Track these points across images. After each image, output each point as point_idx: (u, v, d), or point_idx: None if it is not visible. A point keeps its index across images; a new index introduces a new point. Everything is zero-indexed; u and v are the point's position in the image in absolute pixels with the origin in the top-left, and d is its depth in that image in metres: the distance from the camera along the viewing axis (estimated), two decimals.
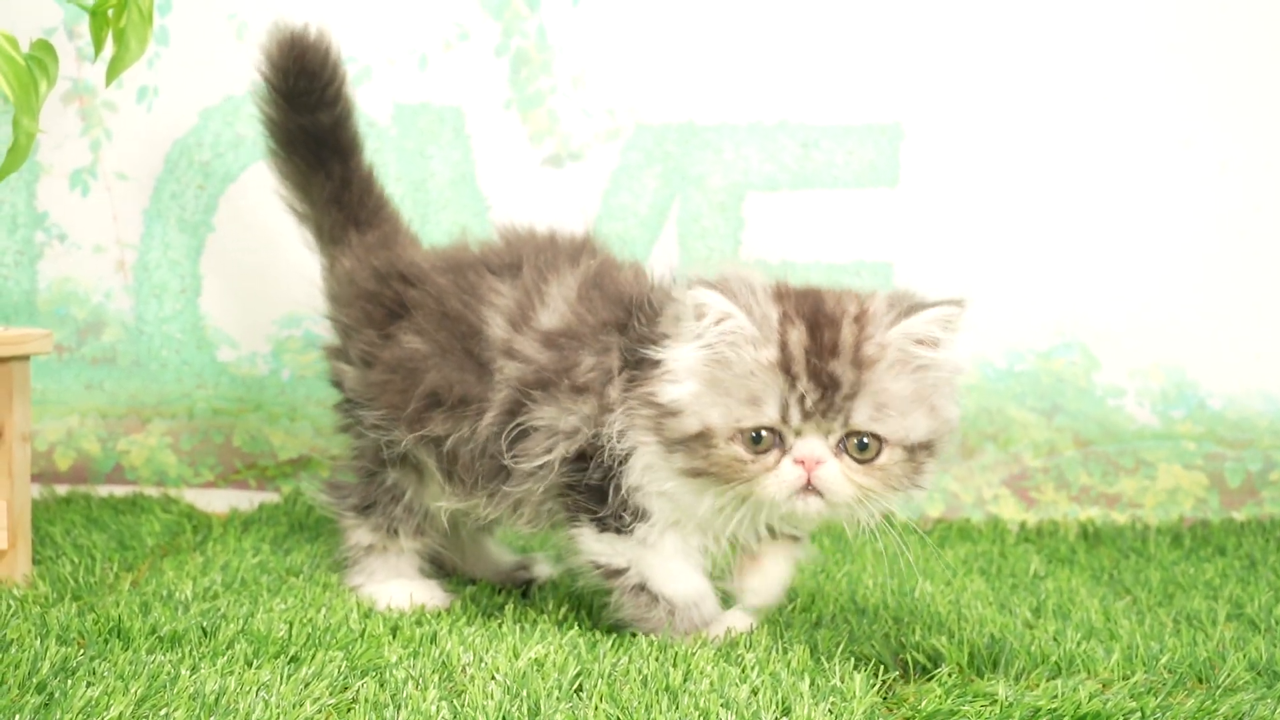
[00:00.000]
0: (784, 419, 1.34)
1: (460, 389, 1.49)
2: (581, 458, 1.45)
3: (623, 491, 1.43)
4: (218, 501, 2.20)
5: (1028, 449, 2.22)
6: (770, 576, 1.53)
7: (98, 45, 1.77)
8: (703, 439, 1.36)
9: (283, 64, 1.72)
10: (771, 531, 1.51)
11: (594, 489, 1.45)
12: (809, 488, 1.36)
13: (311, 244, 1.78)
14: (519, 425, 1.45)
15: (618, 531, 1.45)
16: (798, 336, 1.35)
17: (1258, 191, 2.20)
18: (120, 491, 2.20)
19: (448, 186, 2.20)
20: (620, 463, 1.42)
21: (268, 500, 2.18)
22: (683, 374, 1.38)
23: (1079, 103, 2.19)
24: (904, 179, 2.19)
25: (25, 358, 1.67)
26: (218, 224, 2.19)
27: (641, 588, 1.47)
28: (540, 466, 1.45)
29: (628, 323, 1.46)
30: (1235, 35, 2.19)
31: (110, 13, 1.75)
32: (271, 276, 2.19)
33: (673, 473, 1.40)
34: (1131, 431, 2.22)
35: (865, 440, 1.36)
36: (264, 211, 2.14)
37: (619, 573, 1.48)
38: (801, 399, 1.34)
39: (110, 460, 2.22)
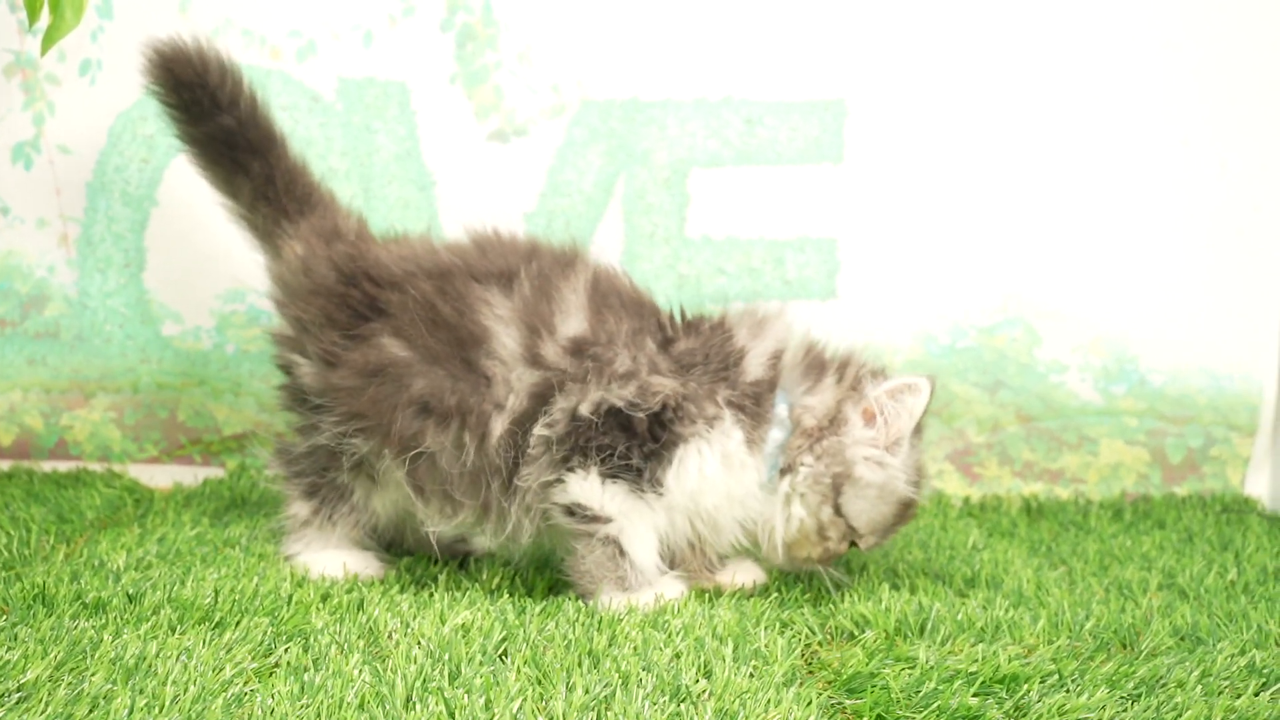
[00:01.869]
0: None
1: (455, 398, 1.51)
2: (619, 419, 1.48)
3: (652, 466, 1.50)
4: (161, 477, 2.19)
5: (971, 424, 2.24)
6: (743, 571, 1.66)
7: (33, 15, 1.76)
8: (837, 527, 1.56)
9: (162, 79, 1.74)
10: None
11: (619, 452, 1.49)
12: None
13: (250, 241, 1.78)
14: (537, 425, 1.50)
15: (627, 486, 1.49)
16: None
17: (1199, 166, 2.22)
18: (64, 467, 2.19)
19: (393, 161, 2.20)
20: (663, 451, 1.49)
21: (212, 475, 2.18)
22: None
23: (1021, 79, 2.20)
24: (848, 155, 2.20)
25: None
26: (161, 198, 2.18)
27: (613, 540, 1.50)
28: (551, 434, 1.49)
29: (657, 330, 1.55)
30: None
31: None
32: (216, 251, 2.18)
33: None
34: (1074, 407, 2.23)
35: None
36: (208, 186, 2.13)
37: (601, 521, 1.50)
38: None
39: (53, 435, 2.21)
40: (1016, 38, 2.20)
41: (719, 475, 1.50)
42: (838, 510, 1.53)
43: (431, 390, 1.51)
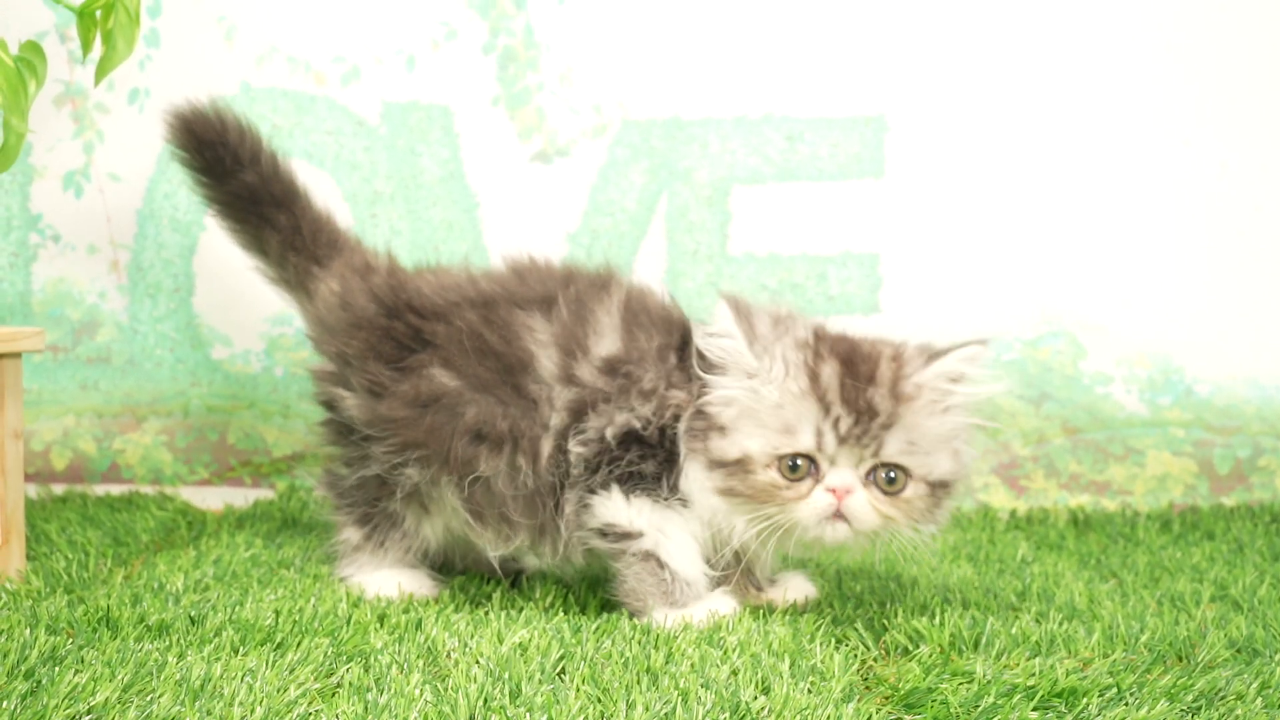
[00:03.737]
0: (818, 446, 1.43)
1: (505, 423, 1.53)
2: (634, 438, 1.51)
3: (673, 478, 1.51)
4: (213, 499, 2.22)
5: (1016, 437, 2.23)
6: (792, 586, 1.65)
7: (86, 46, 1.80)
8: (743, 465, 1.46)
9: (185, 141, 1.79)
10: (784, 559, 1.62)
11: (640, 469, 1.50)
12: (837, 515, 1.45)
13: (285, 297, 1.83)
14: (572, 442, 1.52)
15: (652, 499, 1.51)
16: (831, 370, 1.44)
17: (1246, 183, 2.21)
18: (116, 490, 2.22)
19: (437, 184, 2.22)
20: (675, 456, 1.50)
21: (262, 497, 2.20)
22: (723, 401, 1.47)
23: (1063, 93, 2.21)
24: (889, 170, 2.21)
25: (17, 355, 1.69)
26: (210, 223, 2.20)
27: (650, 555, 1.52)
28: (585, 452, 1.51)
29: (681, 344, 1.55)
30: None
31: (98, 14, 1.77)
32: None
33: (714, 490, 1.48)
34: (1120, 419, 2.23)
35: (893, 474, 1.45)
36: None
37: (633, 536, 1.52)
38: (836, 424, 1.43)
39: (106, 459, 2.24)
40: (1056, 52, 2.20)
41: None
42: None
43: (484, 417, 1.54)
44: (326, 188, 2.21)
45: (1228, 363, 2.22)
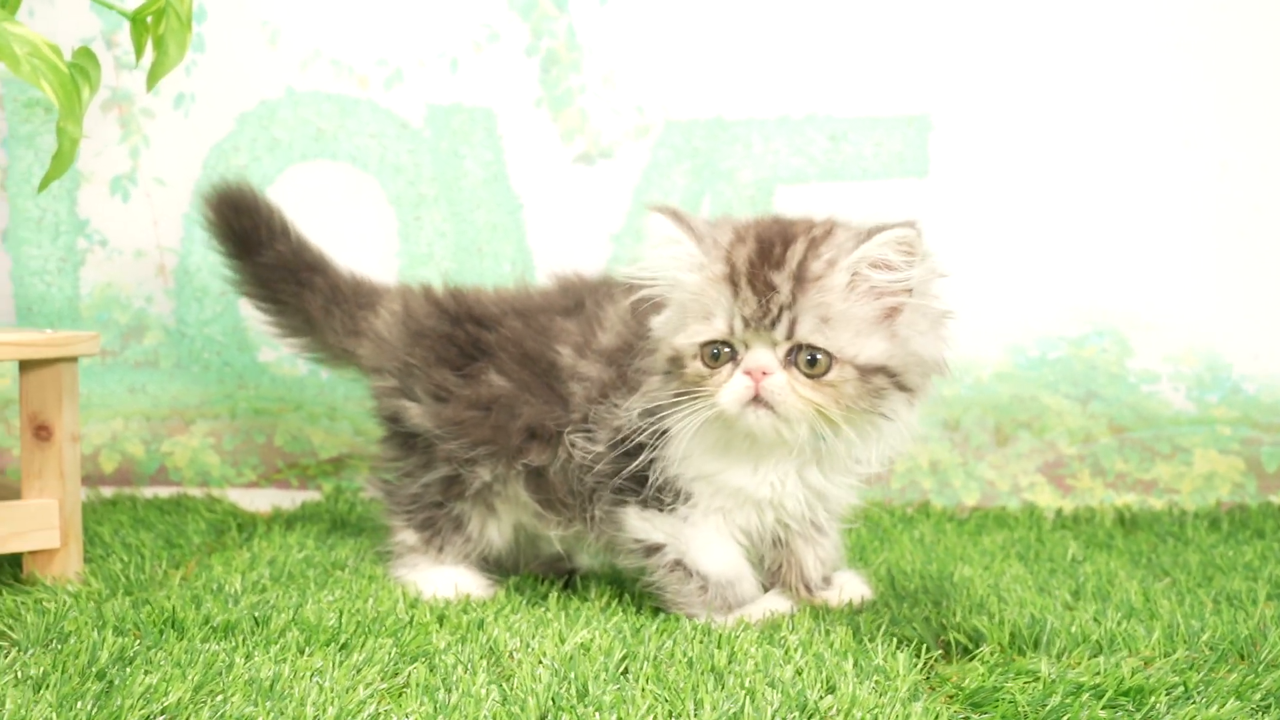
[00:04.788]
0: (730, 330, 1.41)
1: (551, 422, 1.58)
2: (621, 445, 1.52)
3: (662, 475, 1.50)
4: (260, 501, 2.23)
5: (1063, 436, 2.23)
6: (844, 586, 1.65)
7: (138, 51, 1.81)
8: (676, 363, 1.45)
9: (220, 216, 1.86)
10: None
11: (634, 474, 1.52)
12: (758, 400, 1.40)
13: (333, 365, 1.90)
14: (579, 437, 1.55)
15: (659, 509, 1.52)
16: (744, 252, 1.42)
17: None
18: (165, 493, 2.23)
19: (481, 186, 2.23)
20: (655, 448, 1.49)
21: (309, 499, 2.21)
22: (657, 306, 1.49)
23: (1109, 92, 2.20)
24: (933, 170, 2.21)
25: (73, 359, 1.70)
26: None
27: (678, 564, 1.53)
28: (592, 458, 1.54)
29: None
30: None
31: (150, 19, 1.79)
32: None
33: (697, 441, 1.47)
34: (1166, 417, 2.22)
35: (815, 355, 1.39)
36: (301, 213, 2.16)
37: (657, 549, 1.54)
38: (744, 306, 1.40)
39: (154, 462, 2.25)
40: (1102, 49, 2.19)
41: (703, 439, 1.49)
42: None
43: (534, 416, 1.59)
44: (371, 191, 2.22)
45: (1276, 360, 2.20)
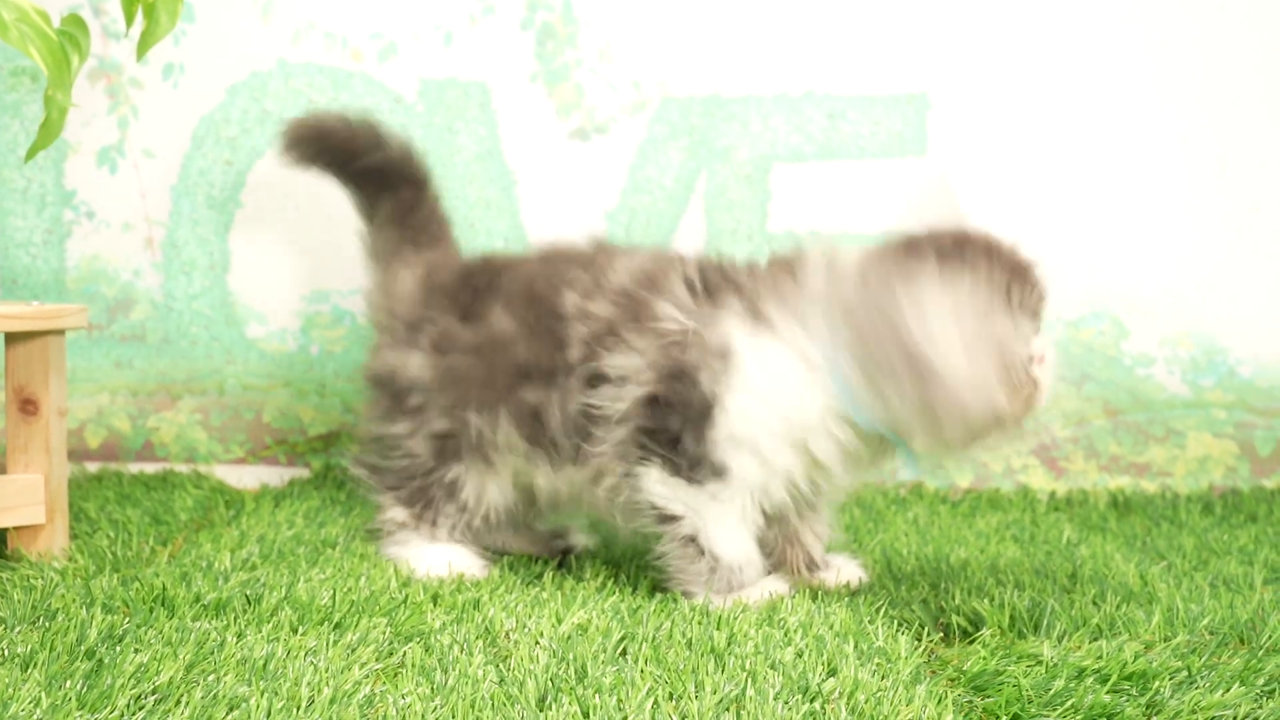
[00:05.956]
0: None
1: (546, 362, 1.57)
2: (655, 403, 1.49)
3: (703, 445, 1.47)
4: (248, 478, 2.21)
5: (1057, 418, 2.22)
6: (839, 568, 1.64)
7: (128, 19, 1.77)
8: None
9: (307, 144, 1.84)
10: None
11: (670, 437, 1.49)
12: None
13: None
14: (592, 374, 1.53)
15: (687, 481, 1.49)
16: None
17: None
18: (151, 468, 2.20)
19: (474, 161, 2.20)
20: (703, 417, 1.46)
21: (298, 476, 2.19)
22: None
23: (1107, 71, 2.18)
24: (931, 149, 2.19)
25: (60, 333, 1.67)
26: (245, 200, 2.20)
27: (691, 540, 1.50)
28: (619, 414, 1.51)
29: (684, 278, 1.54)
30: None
31: None
32: (300, 252, 2.19)
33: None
34: (1161, 400, 2.21)
35: None
36: (292, 187, 2.14)
37: (672, 519, 1.51)
38: None
39: (140, 437, 2.23)
40: (1100, 28, 2.18)
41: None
42: None
43: (529, 354, 1.58)
44: None
45: (1272, 344, 2.20)
